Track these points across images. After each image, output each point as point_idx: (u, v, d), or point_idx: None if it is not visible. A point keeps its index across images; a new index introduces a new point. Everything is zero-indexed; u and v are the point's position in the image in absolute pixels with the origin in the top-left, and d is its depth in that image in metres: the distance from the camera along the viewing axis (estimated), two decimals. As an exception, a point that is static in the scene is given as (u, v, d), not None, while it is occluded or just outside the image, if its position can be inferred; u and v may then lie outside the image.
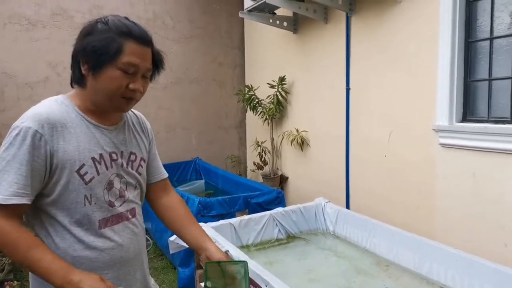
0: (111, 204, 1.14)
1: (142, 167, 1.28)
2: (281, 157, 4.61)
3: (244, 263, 1.21)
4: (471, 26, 2.57)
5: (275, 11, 4.06)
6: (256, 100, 4.47)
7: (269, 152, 4.59)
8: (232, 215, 2.94)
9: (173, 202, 1.41)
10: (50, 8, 4.13)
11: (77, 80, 1.10)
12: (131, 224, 1.22)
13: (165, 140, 4.86)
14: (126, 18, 1.11)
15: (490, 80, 2.49)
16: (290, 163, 4.47)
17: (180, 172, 4.79)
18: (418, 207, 2.87)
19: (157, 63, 1.19)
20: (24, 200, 0.98)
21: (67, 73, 4.36)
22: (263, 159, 4.55)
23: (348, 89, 3.48)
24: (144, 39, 1.09)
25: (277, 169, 4.63)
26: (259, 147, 4.55)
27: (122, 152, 1.19)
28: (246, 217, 2.73)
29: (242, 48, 5.36)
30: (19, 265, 1.02)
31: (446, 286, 2.09)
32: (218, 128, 5.23)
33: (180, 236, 1.36)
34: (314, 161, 4.06)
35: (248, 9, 3.94)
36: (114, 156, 1.15)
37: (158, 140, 4.81)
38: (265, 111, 4.43)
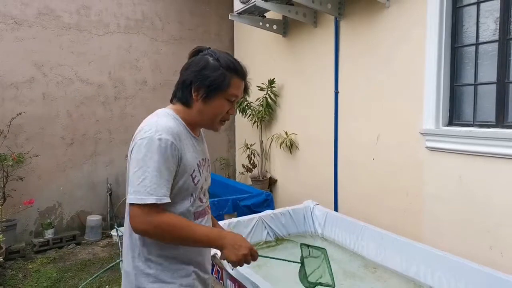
0: (201, 200, 1.35)
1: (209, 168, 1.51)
2: (270, 160, 4.62)
3: (325, 250, 1.43)
4: (457, 32, 2.62)
5: (265, 14, 4.07)
6: (246, 103, 4.47)
7: (258, 154, 4.59)
8: (220, 218, 2.93)
9: None
10: (36, 8, 4.07)
11: (185, 100, 1.30)
12: (208, 217, 1.42)
13: (154, 142, 4.82)
14: (228, 53, 1.33)
15: (475, 84, 2.53)
16: (279, 166, 4.47)
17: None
18: (406, 210, 2.90)
19: (246, 90, 1.39)
20: (168, 199, 1.18)
21: (53, 74, 4.30)
22: (252, 161, 4.54)
23: (336, 93, 3.50)
24: (244, 75, 1.33)
25: (266, 171, 4.63)
26: (248, 150, 4.55)
27: (204, 158, 1.41)
28: (234, 219, 2.73)
29: (232, 50, 5.36)
30: (183, 243, 1.24)
31: (433, 287, 2.11)
32: (206, 130, 5.20)
33: None
34: (303, 164, 4.07)
35: (238, 11, 3.95)
36: (202, 162, 1.37)
37: (146, 142, 4.76)
38: (254, 113, 4.43)
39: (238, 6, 3.87)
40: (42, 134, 4.16)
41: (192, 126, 1.33)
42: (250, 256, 1.23)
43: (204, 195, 1.38)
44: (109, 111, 4.55)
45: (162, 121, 1.23)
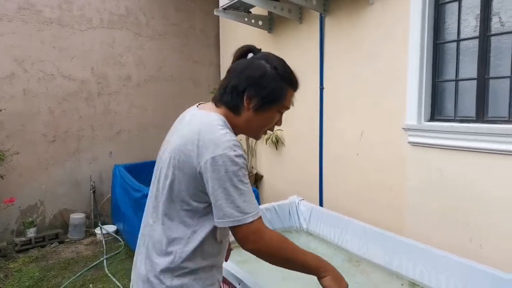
0: None
1: None
2: (256, 156, 4.62)
3: None
4: (439, 28, 2.66)
5: (250, 10, 4.06)
6: (231, 99, 4.45)
7: (244, 151, 4.58)
8: (206, 214, 2.92)
9: None
10: (17, 2, 3.97)
11: (234, 107, 1.19)
12: None
13: (138, 139, 4.77)
14: (282, 60, 1.25)
15: (456, 80, 2.58)
16: (265, 162, 4.48)
17: (153, 171, 4.69)
18: (389, 204, 2.94)
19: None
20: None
21: (35, 69, 4.21)
22: (238, 158, 4.53)
23: (321, 89, 3.52)
24: (297, 87, 1.26)
25: (252, 168, 4.63)
26: (234, 146, 4.53)
27: None
28: (220, 216, 2.72)
29: (218, 46, 5.33)
30: (284, 263, 1.17)
31: (414, 280, 2.15)
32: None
33: None
34: (288, 160, 4.09)
35: (223, 7, 3.92)
36: None
37: (131, 139, 4.72)
38: (240, 110, 4.42)
39: (223, 1, 3.85)
40: (23, 131, 4.07)
41: (236, 133, 1.23)
42: None
43: None
44: (92, 108, 4.48)
45: (229, 135, 1.12)
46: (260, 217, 1.11)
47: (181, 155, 1.12)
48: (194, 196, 1.14)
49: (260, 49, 1.27)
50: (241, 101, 1.18)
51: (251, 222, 1.08)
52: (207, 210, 1.15)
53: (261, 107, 1.18)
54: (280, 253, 1.14)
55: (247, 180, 1.11)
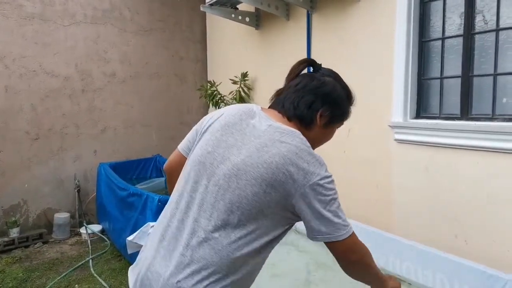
0: None
1: None
2: (244, 153, 4.60)
3: None
4: (425, 26, 2.68)
5: (237, 6, 4.03)
6: (219, 96, 4.42)
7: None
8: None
9: None
10: (-4, -4, 3.86)
11: (308, 121, 1.23)
12: None
13: (124, 136, 4.70)
14: (341, 77, 1.34)
15: (441, 78, 2.61)
16: (253, 159, 4.46)
17: (140, 169, 4.63)
18: (376, 201, 2.96)
19: None
20: None
21: (16, 66, 4.10)
22: (225, 155, 4.51)
23: (309, 86, 3.52)
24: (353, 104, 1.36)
25: (240, 165, 4.62)
26: (221, 143, 4.51)
27: None
28: (207, 214, 2.70)
29: (204, 42, 5.28)
30: (364, 277, 1.25)
31: (401, 277, 2.17)
32: (179, 124, 5.12)
33: None
34: (276, 157, 4.08)
35: (210, 3, 3.89)
36: None
37: (117, 137, 4.65)
38: (227, 107, 4.39)
39: (209, -3, 3.81)
40: (4, 129, 3.97)
41: None
42: None
43: None
44: (76, 105, 4.40)
45: (318, 156, 1.16)
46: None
47: (280, 174, 1.07)
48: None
49: (321, 64, 1.33)
50: (315, 116, 1.23)
51: (350, 235, 1.14)
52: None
53: (330, 124, 1.27)
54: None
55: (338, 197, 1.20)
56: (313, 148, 1.23)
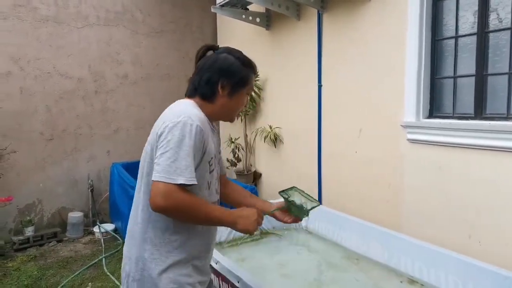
0: (217, 191, 1.46)
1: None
2: (255, 154, 4.61)
3: (295, 187, 1.66)
4: (438, 25, 2.65)
5: (247, 7, 4.03)
6: (229, 96, 4.43)
7: (242, 149, 4.58)
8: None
9: (233, 186, 1.70)
10: (12, -1, 3.94)
11: (209, 96, 1.39)
12: None
13: (136, 137, 4.75)
14: (241, 52, 1.47)
15: (455, 77, 2.57)
16: (264, 160, 4.47)
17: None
18: (387, 201, 2.93)
19: None
20: (196, 181, 1.23)
21: (31, 67, 4.16)
22: (236, 155, 4.53)
23: (320, 86, 3.51)
24: (256, 72, 1.51)
25: (251, 165, 4.63)
26: (233, 144, 4.53)
27: (219, 151, 1.53)
28: (219, 214, 2.71)
29: (215, 43, 5.26)
30: (198, 222, 1.32)
31: (413, 277, 2.15)
32: (190, 125, 5.16)
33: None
34: (287, 158, 4.08)
35: (221, 4, 3.90)
36: (217, 155, 1.48)
37: (129, 138, 4.71)
38: (238, 107, 4.40)
39: (220, -2, 3.83)
40: (19, 130, 4.05)
41: (211, 119, 1.42)
42: (260, 218, 1.38)
43: (218, 186, 1.47)
44: (90, 106, 4.46)
45: (191, 109, 1.30)
46: (183, 184, 1.20)
47: None
48: None
49: (218, 46, 1.46)
50: (216, 90, 1.38)
51: (170, 183, 1.19)
52: None
53: (233, 92, 1.39)
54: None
55: (187, 148, 1.23)
56: (229, 117, 1.46)
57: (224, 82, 1.38)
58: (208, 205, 1.30)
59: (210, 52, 1.44)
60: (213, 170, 1.38)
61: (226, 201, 1.66)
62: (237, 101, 1.43)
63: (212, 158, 1.35)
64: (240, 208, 1.41)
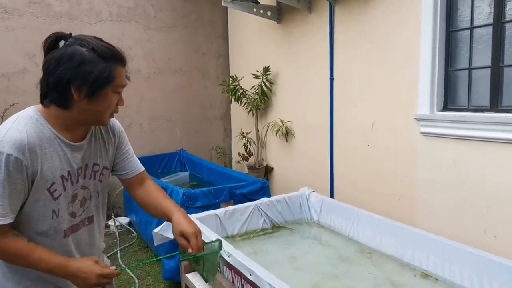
0: (73, 215, 1.25)
1: (104, 174, 1.36)
2: (266, 148, 4.61)
3: (219, 241, 1.41)
4: (452, 16, 2.60)
5: (258, 0, 4.02)
6: (241, 91, 4.44)
7: (254, 143, 4.59)
8: (217, 206, 2.94)
9: (148, 188, 1.47)
10: (26, -4, 4.00)
11: (63, 103, 1.13)
12: (88, 229, 1.34)
13: (149, 131, 4.80)
14: (98, 37, 1.18)
15: (470, 69, 2.53)
16: (275, 154, 4.47)
17: (164, 164, 4.73)
18: (401, 195, 2.91)
19: (127, 76, 1.26)
20: (9, 220, 1.08)
21: (46, 64, 4.11)
22: (248, 150, 4.54)
23: (332, 79, 3.49)
24: (125, 61, 1.20)
25: (262, 160, 4.64)
26: (244, 138, 4.54)
27: (86, 165, 1.27)
28: (231, 207, 2.74)
29: (226, 37, 5.30)
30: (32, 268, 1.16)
31: (427, 271, 2.14)
32: (202, 119, 5.19)
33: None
34: (298, 152, 4.08)
35: (231, -2, 3.89)
36: (80, 171, 1.24)
37: (142, 132, 4.76)
38: (249, 101, 4.41)
39: (231, -8, 3.82)
40: (36, 125, 4.12)
41: (72, 128, 1.18)
42: (103, 279, 1.14)
43: (81, 206, 1.26)
44: (103, 101, 4.51)
45: (14, 130, 1.07)
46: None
47: None
48: None
49: (70, 34, 1.16)
50: (69, 95, 1.10)
51: None
52: None
53: (93, 94, 1.11)
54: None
55: None
56: (96, 122, 1.21)
57: (78, 84, 1.08)
58: (34, 254, 1.10)
59: (62, 43, 1.14)
60: (59, 195, 1.16)
61: (141, 204, 1.47)
62: (102, 103, 1.15)
63: (54, 183, 1.14)
64: (80, 260, 1.18)
